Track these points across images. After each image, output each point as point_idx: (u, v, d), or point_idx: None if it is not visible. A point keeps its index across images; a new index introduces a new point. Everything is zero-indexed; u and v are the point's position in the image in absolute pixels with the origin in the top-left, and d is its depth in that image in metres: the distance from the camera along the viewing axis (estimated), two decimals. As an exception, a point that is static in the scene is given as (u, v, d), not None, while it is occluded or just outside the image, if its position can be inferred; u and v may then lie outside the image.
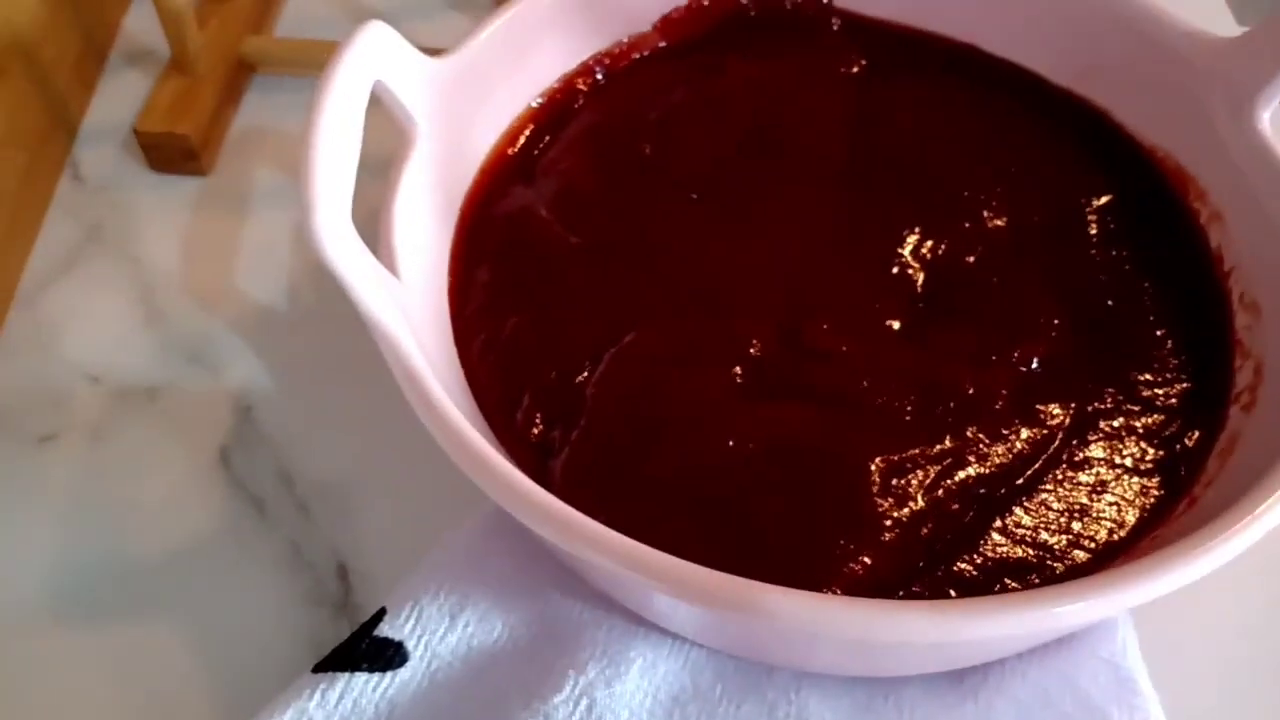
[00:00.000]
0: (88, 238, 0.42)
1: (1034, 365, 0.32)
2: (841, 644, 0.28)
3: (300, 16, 0.49)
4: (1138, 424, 0.32)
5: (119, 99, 0.46)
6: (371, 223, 0.31)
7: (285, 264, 0.41)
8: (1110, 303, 0.34)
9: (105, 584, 0.34)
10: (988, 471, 0.30)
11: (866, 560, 0.29)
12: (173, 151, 0.43)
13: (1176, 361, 0.33)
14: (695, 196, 0.36)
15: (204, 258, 0.41)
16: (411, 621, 0.31)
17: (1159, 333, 0.34)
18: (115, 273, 0.41)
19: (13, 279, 0.40)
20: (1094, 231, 0.36)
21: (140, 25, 0.48)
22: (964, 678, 0.30)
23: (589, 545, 0.25)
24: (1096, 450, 0.31)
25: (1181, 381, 0.33)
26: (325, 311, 0.39)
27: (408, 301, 0.30)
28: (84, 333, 0.40)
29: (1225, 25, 0.49)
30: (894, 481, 0.30)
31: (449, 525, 0.33)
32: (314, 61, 0.44)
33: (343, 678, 0.30)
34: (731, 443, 0.30)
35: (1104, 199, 0.37)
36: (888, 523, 0.29)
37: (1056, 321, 0.33)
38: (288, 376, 0.38)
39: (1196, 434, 0.31)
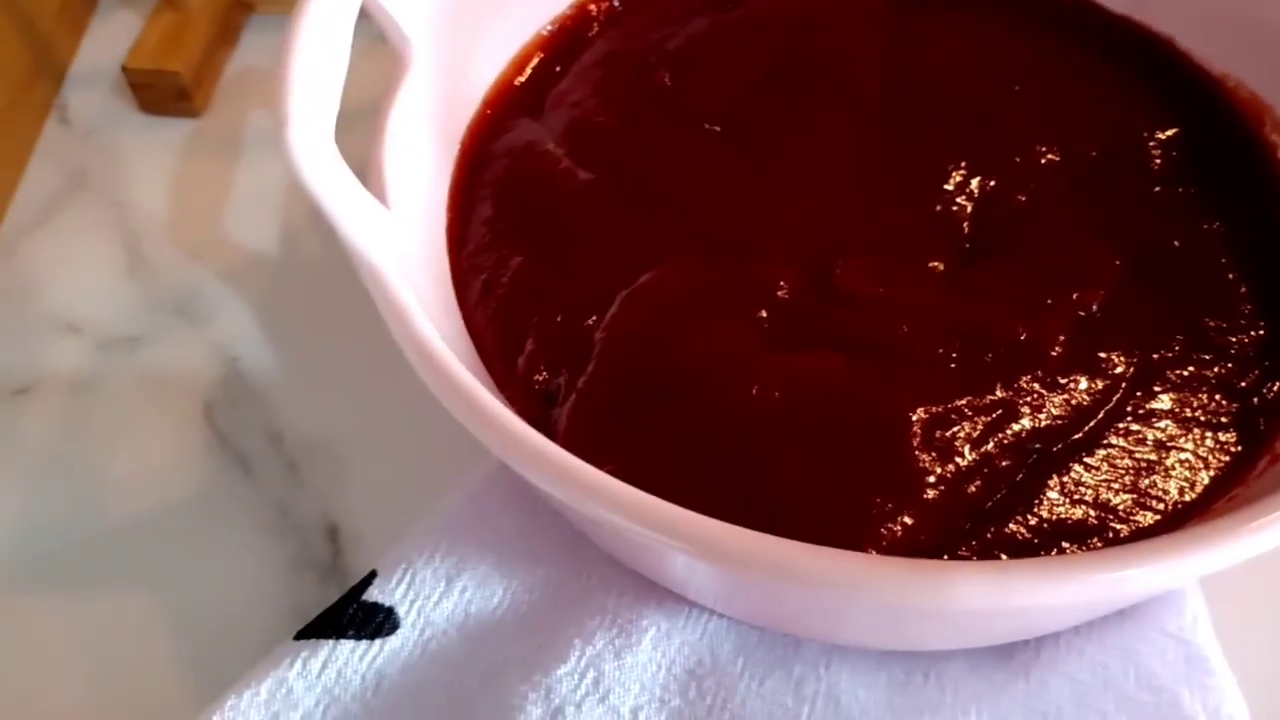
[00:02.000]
0: (72, 183, 0.40)
1: (1094, 310, 0.29)
2: (879, 613, 0.25)
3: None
4: (1210, 373, 0.28)
5: (111, 40, 0.43)
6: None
7: (278, 210, 0.38)
8: (1176, 243, 0.31)
9: (79, 545, 0.32)
10: (1043, 425, 0.27)
11: (907, 521, 0.25)
12: (163, 91, 0.40)
13: (1252, 306, 0.30)
14: (718, 129, 0.33)
15: (193, 204, 0.39)
16: (404, 586, 0.28)
17: (1231, 275, 0.30)
18: (100, 219, 0.39)
19: (-8, 225, 0.38)
20: (1157, 166, 0.32)
21: (135, -36, 0.46)
22: (1014, 653, 0.27)
23: (596, 499, 0.22)
24: (1165, 402, 0.28)
25: (1258, 328, 0.29)
26: (319, 260, 0.37)
27: (399, 235, 0.27)
28: (65, 281, 0.37)
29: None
30: (937, 435, 0.26)
31: (448, 484, 0.30)
32: (313, -2, 0.41)
33: (326, 645, 0.27)
34: (755, 392, 0.27)
35: (1168, 132, 0.33)
36: (930, 480, 0.26)
37: (1118, 263, 0.30)
38: (278, 328, 0.36)
39: (1277, 385, 0.28)
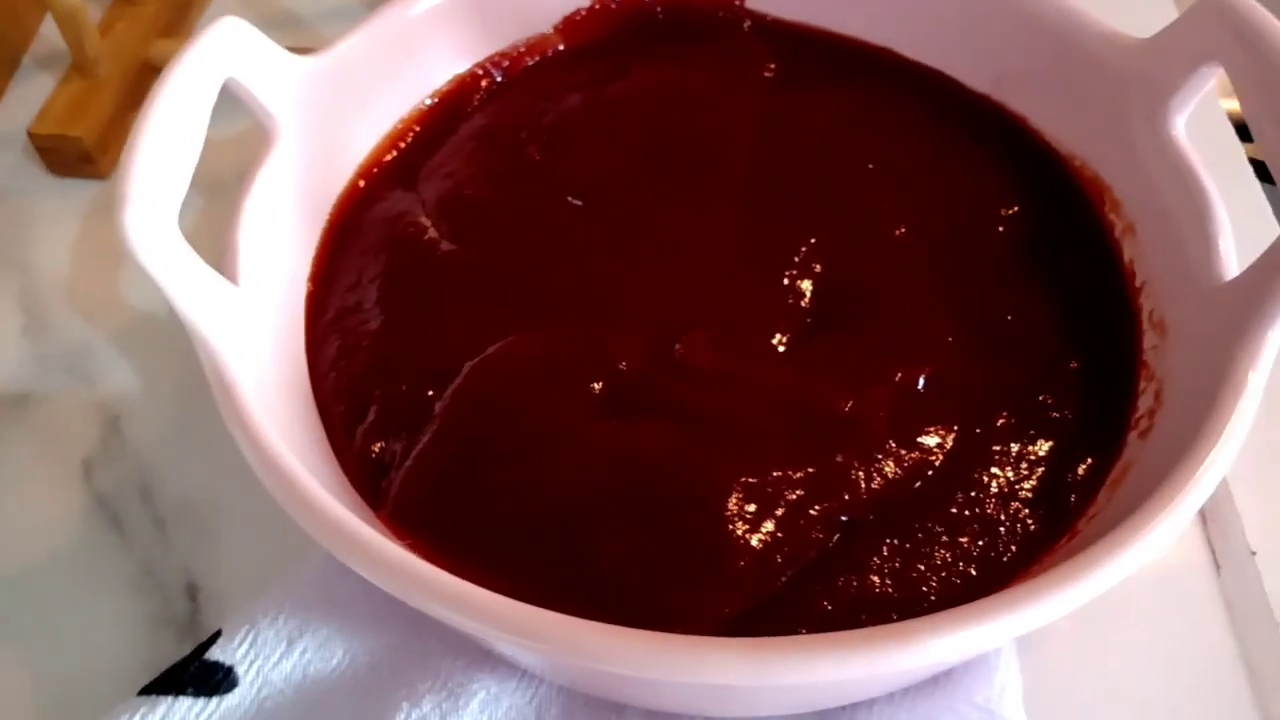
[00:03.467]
0: (-22, 243, 0.41)
1: (920, 385, 0.30)
2: (677, 687, 0.26)
3: (220, 21, 0.48)
4: (1029, 450, 0.29)
5: (27, 103, 0.44)
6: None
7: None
8: (1009, 318, 0.32)
9: (-53, 599, 0.33)
10: (854, 498, 0.28)
11: (712, 593, 0.26)
12: (68, 155, 0.42)
13: (1078, 384, 0.31)
14: (581, 204, 0.35)
15: (92, 265, 0.40)
16: (245, 646, 0.29)
17: (1061, 352, 0.31)
18: (1, 279, 0.40)
19: (-103, 284, 0.40)
20: (1003, 245, 0.34)
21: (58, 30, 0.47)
22: (827, 717, 0.28)
23: (381, 572, 0.24)
24: (980, 477, 0.29)
25: (1081, 405, 0.30)
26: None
27: (246, 307, 0.29)
28: (-40, 341, 0.39)
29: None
30: (750, 508, 0.27)
31: (311, 550, 0.31)
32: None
33: (165, 701, 0.28)
34: (579, 462, 0.28)
35: (1015, 209, 0.34)
36: (740, 553, 0.27)
37: (950, 339, 0.31)
38: (160, 390, 0.37)
39: (1090, 461, 0.29)
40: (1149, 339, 0.31)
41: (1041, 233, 0.34)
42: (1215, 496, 0.33)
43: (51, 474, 0.35)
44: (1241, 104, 0.28)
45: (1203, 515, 0.33)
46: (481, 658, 0.29)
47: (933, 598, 0.27)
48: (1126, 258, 0.32)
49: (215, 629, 0.30)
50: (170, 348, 0.38)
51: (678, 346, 0.31)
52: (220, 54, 0.30)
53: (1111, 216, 0.33)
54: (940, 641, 0.22)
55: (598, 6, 0.39)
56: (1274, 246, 0.27)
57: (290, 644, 0.29)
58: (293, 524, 0.31)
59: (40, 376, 0.37)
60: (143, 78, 0.44)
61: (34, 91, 0.45)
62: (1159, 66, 0.31)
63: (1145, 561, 0.23)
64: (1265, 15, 0.28)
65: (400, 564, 0.23)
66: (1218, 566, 0.33)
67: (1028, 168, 0.35)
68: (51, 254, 0.41)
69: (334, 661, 0.29)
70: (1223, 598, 0.32)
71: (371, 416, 0.30)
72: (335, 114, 0.34)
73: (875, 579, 0.27)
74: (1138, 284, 0.32)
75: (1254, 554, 0.32)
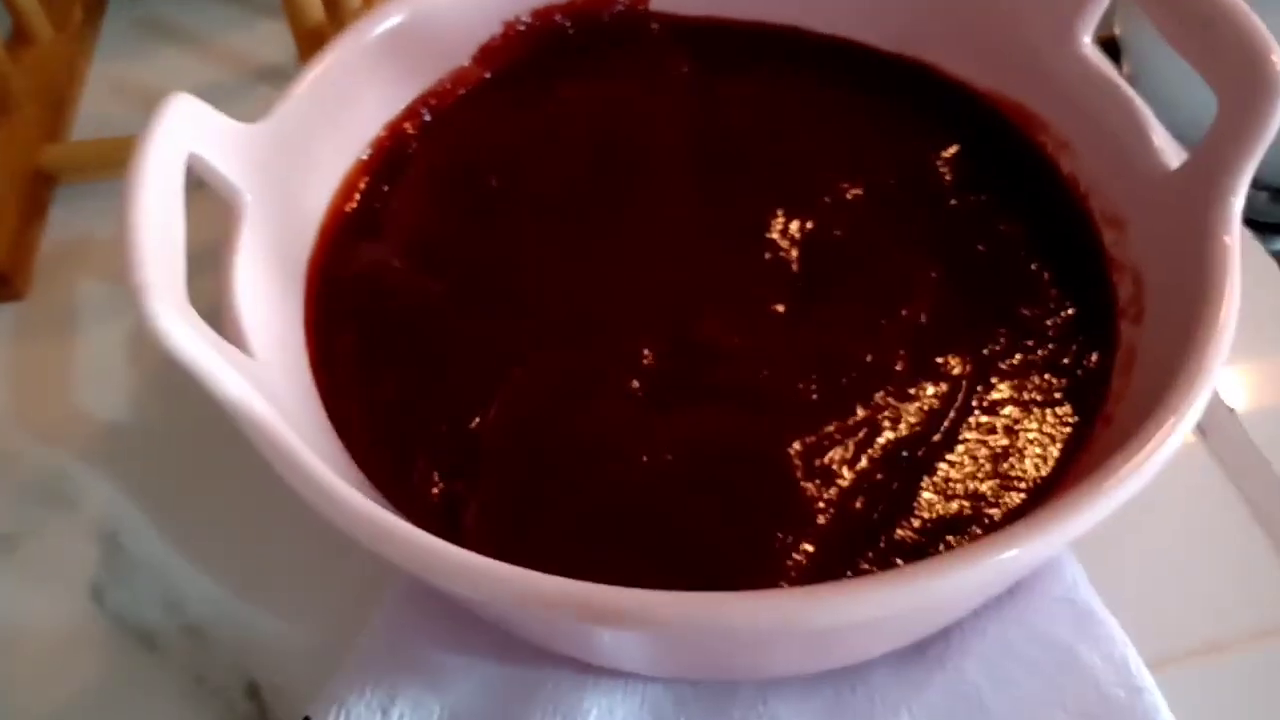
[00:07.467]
0: (-102, 391, 0.38)
1: (923, 320, 0.32)
2: (799, 640, 0.26)
3: (96, 118, 0.46)
4: (1035, 357, 0.31)
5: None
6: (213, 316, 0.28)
7: (123, 378, 0.37)
8: (981, 247, 0.34)
9: (-16, 765, 0.30)
10: (905, 434, 0.30)
11: (808, 548, 0.27)
12: (-20, 281, 0.39)
13: (1057, 290, 0.33)
14: (553, 220, 0.35)
15: (36, 387, 0.38)
16: (341, 726, 0.28)
17: (1033, 265, 0.34)
18: (-63, 422, 0.37)
19: None
20: (949, 182, 0.36)
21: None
22: (926, 649, 0.29)
23: (512, 594, 0.23)
24: (1004, 391, 0.31)
25: (1066, 308, 0.33)
26: (176, 420, 0.36)
27: (267, 379, 0.28)
28: (-88, 495, 0.36)
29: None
30: (816, 463, 0.29)
31: (360, 619, 0.30)
32: (118, 161, 0.40)
33: (276, 805, 0.27)
34: (645, 458, 0.29)
35: (951, 150, 0.37)
36: (820, 506, 0.28)
37: (934, 275, 0.33)
38: (151, 496, 0.35)
39: (1095, 355, 0.31)
40: (1108, 236, 0.33)
41: (982, 165, 0.36)
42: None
43: (62, 608, 0.33)
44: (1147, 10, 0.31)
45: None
46: (581, 674, 0.29)
47: (1005, 506, 0.28)
48: (1066, 170, 0.35)
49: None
50: (146, 453, 0.36)
51: (692, 332, 0.32)
52: (181, 129, 0.29)
53: (1041, 138, 0.36)
54: (1026, 546, 0.23)
55: (508, 32, 0.39)
56: (1211, 129, 0.29)
57: (385, 713, 0.28)
58: (341, 599, 0.31)
59: (19, 513, 0.35)
60: (37, 186, 0.42)
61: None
62: (1059, -10, 0.34)
63: (1185, 439, 0.25)
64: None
65: (506, 576, 0.23)
66: (1203, 432, 0.36)
67: (953, 111, 0.38)
68: (-14, 386, 0.38)
69: (434, 718, 0.29)
70: (1215, 458, 0.35)
71: (420, 463, 0.29)
72: (290, 176, 0.33)
73: (948, 503, 0.28)
74: (1083, 190, 0.34)
75: (1232, 411, 0.35)
